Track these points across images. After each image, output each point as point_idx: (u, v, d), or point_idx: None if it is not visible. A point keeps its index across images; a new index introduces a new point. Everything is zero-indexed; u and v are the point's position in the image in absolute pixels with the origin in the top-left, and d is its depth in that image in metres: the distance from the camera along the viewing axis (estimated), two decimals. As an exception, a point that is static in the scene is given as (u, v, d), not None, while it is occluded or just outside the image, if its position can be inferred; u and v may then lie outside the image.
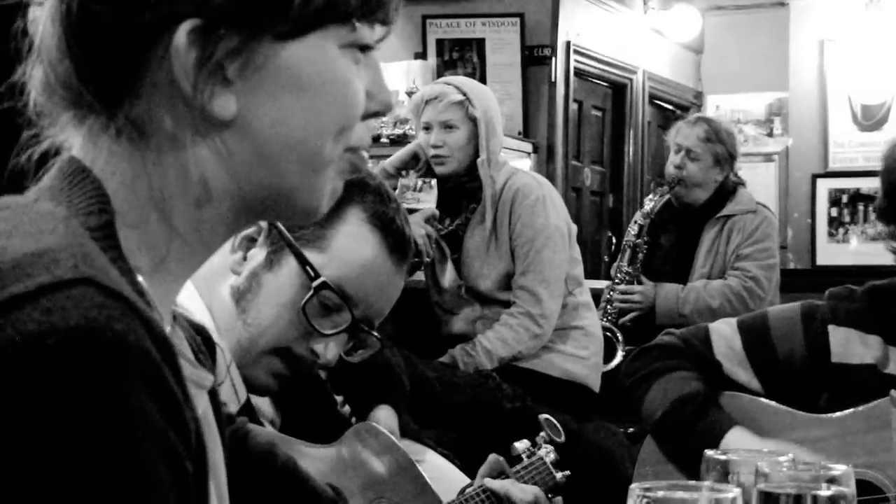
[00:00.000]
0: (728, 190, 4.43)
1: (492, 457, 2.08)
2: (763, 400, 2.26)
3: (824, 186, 7.17)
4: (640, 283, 4.45)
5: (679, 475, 2.25)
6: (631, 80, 7.27)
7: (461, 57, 6.29)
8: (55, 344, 0.73)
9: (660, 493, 0.93)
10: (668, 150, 4.57)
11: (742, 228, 4.36)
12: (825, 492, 1.09)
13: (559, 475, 2.14)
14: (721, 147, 4.39)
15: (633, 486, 0.95)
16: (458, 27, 6.30)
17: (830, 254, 7.11)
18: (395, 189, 3.42)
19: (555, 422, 2.21)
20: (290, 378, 1.74)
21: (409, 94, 5.03)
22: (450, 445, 2.74)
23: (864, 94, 7.06)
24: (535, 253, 3.59)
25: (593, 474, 3.01)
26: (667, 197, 4.54)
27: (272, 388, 1.75)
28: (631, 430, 3.74)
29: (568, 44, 6.43)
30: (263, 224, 1.68)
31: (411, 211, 3.34)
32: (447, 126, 3.61)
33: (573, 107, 6.62)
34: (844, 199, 7.12)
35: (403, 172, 3.68)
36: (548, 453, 2.16)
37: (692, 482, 0.98)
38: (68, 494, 0.72)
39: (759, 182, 7.27)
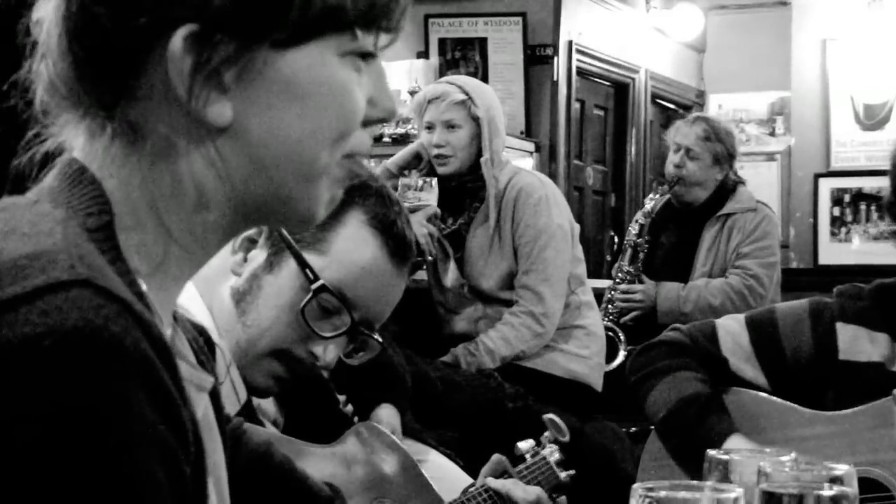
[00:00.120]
0: (728, 188, 4.43)
1: (495, 456, 2.08)
2: (768, 396, 2.26)
3: (826, 186, 7.16)
4: (641, 282, 4.46)
5: (682, 473, 2.25)
6: (633, 79, 7.27)
7: (463, 56, 6.29)
8: (52, 346, 0.73)
9: (662, 493, 0.93)
10: (668, 150, 4.57)
11: (742, 227, 4.36)
12: (827, 492, 1.09)
13: (563, 475, 2.14)
14: (720, 146, 4.39)
15: (635, 485, 0.95)
16: (461, 26, 6.30)
17: (832, 253, 7.10)
18: (395, 188, 3.42)
19: (559, 421, 2.21)
20: (290, 380, 1.74)
21: (412, 93, 5.02)
22: (451, 445, 2.74)
23: (867, 93, 7.05)
24: (537, 252, 3.59)
25: (595, 474, 3.01)
26: (667, 196, 4.54)
27: (271, 390, 1.75)
28: (633, 429, 3.74)
29: (570, 43, 6.43)
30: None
31: (413, 210, 3.34)
32: (450, 125, 3.61)
33: (575, 106, 6.62)
34: (846, 198, 7.12)
35: (406, 172, 3.68)
36: (552, 453, 2.15)
37: (694, 482, 0.98)
38: (65, 496, 0.72)
39: (761, 181, 7.27)
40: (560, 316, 3.64)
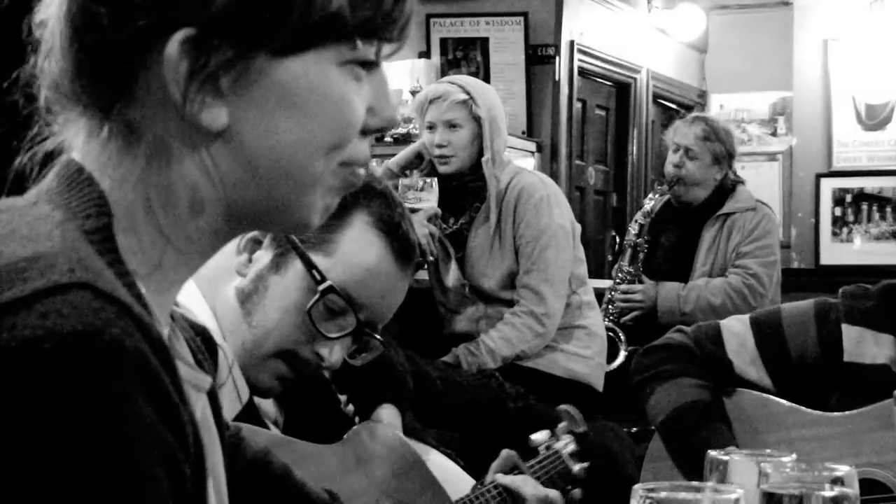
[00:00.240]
0: (727, 188, 4.43)
1: (505, 452, 2.07)
2: (771, 397, 2.26)
3: (828, 186, 7.16)
4: (641, 282, 4.45)
5: (684, 474, 2.25)
6: (635, 79, 7.26)
7: (465, 56, 6.29)
8: (51, 348, 0.73)
9: (663, 494, 0.93)
10: (668, 150, 4.57)
11: (742, 226, 4.36)
12: (828, 492, 1.09)
13: (577, 467, 2.12)
14: (719, 145, 4.39)
15: (636, 486, 0.95)
16: (462, 26, 6.30)
17: (834, 253, 7.10)
18: (396, 188, 3.42)
19: (575, 412, 2.19)
20: (294, 381, 1.74)
21: (413, 93, 5.03)
22: (452, 445, 2.74)
23: (868, 93, 7.05)
24: (539, 252, 3.59)
25: (597, 474, 3.01)
26: (666, 196, 4.54)
27: (275, 390, 1.75)
28: (634, 429, 3.74)
29: (572, 43, 6.42)
30: None
31: (413, 210, 3.34)
32: (451, 125, 3.61)
33: (577, 106, 6.61)
34: (848, 198, 7.11)
35: (407, 172, 3.68)
36: (566, 445, 2.13)
37: (695, 483, 0.98)
38: (66, 497, 0.72)
39: (762, 181, 7.27)
40: (561, 316, 3.64)
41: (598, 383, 3.76)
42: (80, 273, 0.77)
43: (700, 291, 4.30)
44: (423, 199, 3.53)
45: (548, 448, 2.12)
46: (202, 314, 1.65)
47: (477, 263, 3.66)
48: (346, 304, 1.68)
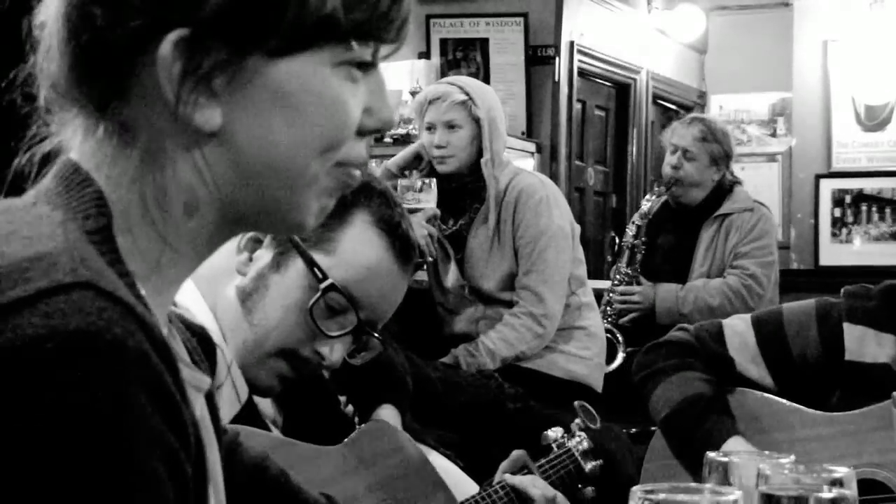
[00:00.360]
0: (725, 189, 4.43)
1: (515, 452, 2.07)
2: (772, 397, 2.26)
3: (827, 187, 7.16)
4: (639, 283, 4.45)
5: (686, 472, 2.26)
6: (634, 79, 7.26)
7: (465, 56, 6.29)
8: (54, 348, 0.73)
9: (661, 496, 0.93)
10: (665, 151, 4.57)
11: (740, 227, 4.36)
12: (827, 494, 1.09)
13: (589, 466, 2.11)
14: (717, 146, 4.39)
15: (634, 488, 0.95)
16: (462, 27, 6.30)
17: (833, 254, 7.10)
18: (395, 189, 3.42)
19: (590, 408, 2.18)
20: (294, 380, 1.74)
21: (413, 93, 5.02)
22: (452, 446, 2.74)
23: (868, 94, 7.05)
24: (538, 253, 3.59)
25: (601, 473, 3.01)
26: (664, 198, 4.54)
27: (276, 390, 1.75)
28: (634, 430, 3.74)
29: (571, 44, 6.42)
30: None
31: (412, 211, 3.34)
32: (450, 126, 3.61)
33: (577, 107, 6.61)
34: (848, 199, 7.11)
35: (406, 172, 3.68)
36: (579, 442, 2.12)
37: (693, 484, 0.98)
38: (69, 496, 0.72)
39: (762, 182, 7.27)
40: (560, 317, 3.64)
41: (598, 384, 3.76)
42: (82, 272, 0.78)
43: (698, 292, 4.30)
44: (422, 199, 3.54)
45: (560, 446, 2.11)
46: (201, 314, 1.66)
47: (476, 264, 3.66)
48: (348, 303, 1.68)
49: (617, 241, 4.62)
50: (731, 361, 2.29)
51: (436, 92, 3.66)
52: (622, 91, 7.26)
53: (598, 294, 4.23)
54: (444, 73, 6.01)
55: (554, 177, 5.91)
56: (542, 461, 2.08)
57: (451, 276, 3.71)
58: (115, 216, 0.87)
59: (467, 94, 3.60)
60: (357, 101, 0.92)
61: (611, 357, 4.14)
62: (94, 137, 0.89)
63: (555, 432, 2.13)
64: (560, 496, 2.00)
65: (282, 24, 0.86)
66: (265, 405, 1.88)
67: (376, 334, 1.74)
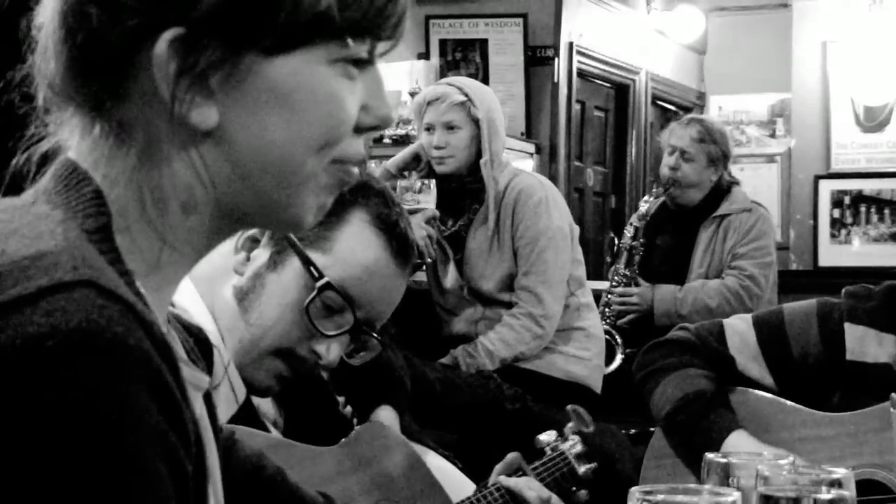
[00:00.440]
0: (723, 189, 4.43)
1: (510, 454, 2.07)
2: (773, 397, 2.26)
3: (827, 188, 7.16)
4: (637, 285, 4.45)
5: (686, 470, 2.26)
6: (634, 80, 7.26)
7: (464, 57, 6.29)
8: (55, 346, 0.73)
9: (660, 497, 0.93)
10: (663, 152, 4.57)
11: (738, 227, 4.36)
12: (825, 495, 1.09)
13: (583, 469, 2.11)
14: (714, 147, 4.39)
15: (632, 489, 0.95)
16: (462, 27, 6.30)
17: (833, 255, 7.10)
18: (394, 190, 3.42)
19: (582, 411, 2.18)
20: (291, 379, 1.74)
21: (412, 94, 5.03)
22: (450, 446, 2.74)
23: (867, 95, 7.05)
24: (537, 254, 3.59)
25: (595, 475, 3.01)
26: (661, 199, 4.54)
27: (273, 389, 1.75)
28: (633, 431, 3.74)
29: (571, 44, 6.42)
30: None
31: (411, 212, 3.34)
32: (449, 127, 3.61)
33: (576, 107, 6.62)
34: (847, 200, 7.11)
35: (405, 173, 3.68)
36: (573, 445, 2.12)
37: (692, 486, 0.98)
38: (69, 494, 0.72)
39: (761, 183, 7.27)
40: (559, 318, 3.64)
41: (597, 385, 3.76)
42: (83, 271, 0.78)
43: (696, 294, 4.29)
44: (421, 200, 3.54)
45: (553, 449, 2.11)
46: (199, 314, 1.65)
47: (475, 265, 3.66)
48: (344, 302, 1.68)
49: (616, 241, 4.61)
50: (732, 361, 2.29)
51: (435, 93, 3.66)
52: (621, 92, 7.26)
53: (597, 295, 4.23)
54: (443, 74, 6.01)
55: (553, 177, 5.91)
56: (537, 464, 2.08)
57: (450, 277, 3.71)
58: (114, 215, 0.87)
59: (466, 94, 3.60)
60: (354, 98, 0.91)
61: (609, 358, 4.13)
62: (90, 137, 0.90)
63: (548, 436, 2.13)
64: (555, 497, 2.00)
65: (276, 22, 0.86)
66: (266, 406, 1.88)
67: (374, 334, 1.74)
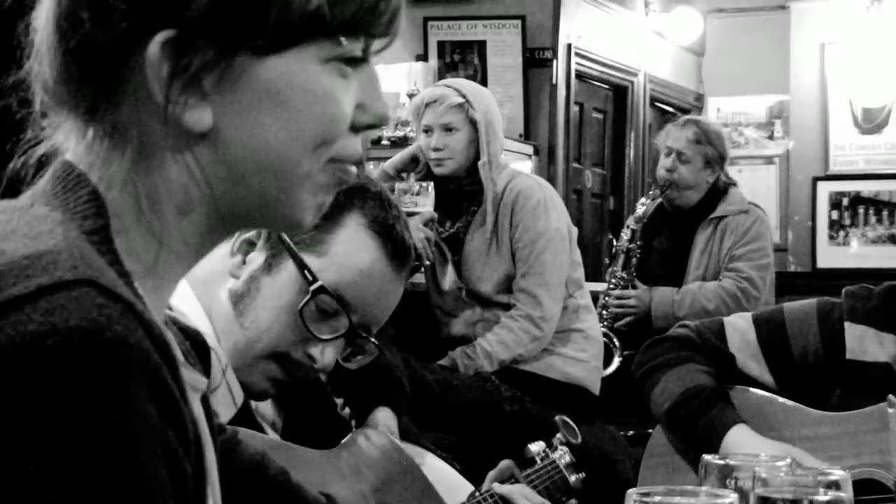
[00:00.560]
0: (720, 191, 4.43)
1: (503, 462, 2.07)
2: (773, 396, 2.27)
3: (825, 189, 7.16)
4: (634, 287, 4.45)
5: (687, 467, 2.26)
6: (632, 82, 7.27)
7: (462, 59, 6.29)
8: (55, 344, 0.73)
9: (657, 499, 0.93)
10: (659, 154, 4.57)
11: (735, 229, 4.36)
12: (822, 496, 1.09)
13: (573, 478, 2.12)
14: (711, 148, 4.39)
15: (629, 490, 0.95)
16: (460, 29, 6.31)
17: (831, 257, 7.10)
18: (392, 191, 3.42)
19: (571, 423, 2.19)
20: (287, 383, 1.74)
21: (411, 96, 5.03)
22: (449, 448, 2.74)
23: (865, 96, 7.06)
24: (535, 256, 3.59)
25: (593, 477, 3.01)
26: (658, 200, 4.54)
27: (269, 393, 1.75)
28: (631, 433, 3.74)
29: (569, 46, 6.43)
30: None
31: (409, 214, 3.34)
32: (447, 129, 3.61)
33: (574, 109, 6.62)
34: (845, 201, 7.12)
35: (403, 175, 3.68)
36: (563, 455, 2.13)
37: (689, 487, 0.98)
38: (69, 493, 0.72)
39: (759, 184, 7.28)
40: (558, 319, 3.64)
41: (595, 387, 3.76)
42: (83, 270, 0.78)
43: (694, 296, 4.29)
44: (419, 202, 3.54)
45: (543, 458, 2.12)
46: (196, 317, 1.65)
47: (473, 267, 3.66)
48: (338, 306, 1.67)
49: (614, 243, 4.61)
50: (732, 359, 2.30)
51: (432, 95, 3.66)
52: (620, 93, 7.26)
53: (596, 296, 4.23)
54: (441, 76, 6.01)
55: (551, 179, 5.92)
56: (529, 471, 2.09)
57: (449, 279, 3.71)
58: (111, 217, 0.87)
59: (464, 96, 3.61)
60: (349, 96, 0.91)
61: (607, 361, 4.13)
62: (86, 140, 0.90)
63: (537, 446, 2.14)
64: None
65: (267, 22, 0.86)
66: (265, 408, 1.88)
67: (370, 338, 1.74)
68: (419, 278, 3.79)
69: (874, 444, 2.12)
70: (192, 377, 0.93)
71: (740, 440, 2.14)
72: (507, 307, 3.62)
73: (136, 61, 0.86)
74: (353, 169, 0.94)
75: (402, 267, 1.74)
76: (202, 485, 0.87)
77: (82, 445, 0.72)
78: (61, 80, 0.89)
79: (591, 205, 7.09)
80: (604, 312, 4.40)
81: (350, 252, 1.70)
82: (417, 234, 3.43)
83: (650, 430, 2.42)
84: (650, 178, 7.22)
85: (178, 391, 0.79)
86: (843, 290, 2.31)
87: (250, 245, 1.71)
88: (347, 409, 2.40)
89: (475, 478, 2.13)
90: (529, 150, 6.16)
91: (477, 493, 2.02)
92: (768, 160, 7.59)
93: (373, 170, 3.88)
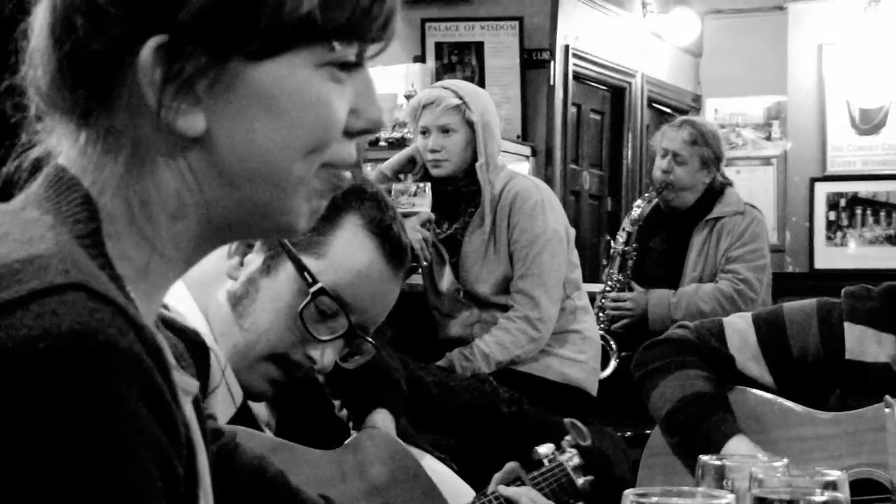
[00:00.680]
0: (716, 191, 4.42)
1: (509, 464, 2.07)
2: (772, 396, 2.27)
3: (822, 190, 7.17)
4: (630, 290, 4.45)
5: (684, 469, 2.26)
6: (630, 83, 7.27)
7: (460, 60, 6.29)
8: (47, 348, 0.73)
9: (653, 499, 0.93)
10: (655, 155, 4.57)
11: (731, 230, 4.35)
12: (819, 497, 1.09)
13: (581, 481, 2.12)
14: (707, 149, 4.38)
15: (626, 491, 0.95)
16: (457, 30, 6.31)
17: (828, 257, 7.11)
18: (389, 192, 3.42)
19: (581, 425, 2.19)
20: (286, 384, 1.74)
21: (408, 97, 5.03)
22: (446, 450, 2.74)
23: (863, 97, 7.06)
24: (533, 257, 3.59)
25: (592, 488, 3.01)
26: (654, 202, 4.53)
27: (268, 394, 1.75)
28: (629, 433, 3.74)
29: (567, 47, 6.43)
30: None
31: (406, 215, 3.34)
32: (445, 130, 3.61)
33: (572, 110, 6.62)
34: (842, 202, 7.12)
35: (401, 176, 3.68)
36: (571, 458, 2.13)
37: (685, 488, 0.98)
38: (62, 496, 0.72)
39: (757, 185, 7.28)
40: (555, 321, 3.64)
41: (593, 388, 3.76)
42: (74, 274, 0.78)
43: (690, 298, 4.29)
44: (416, 203, 3.54)
45: (552, 460, 2.12)
46: (194, 318, 1.66)
47: (471, 268, 3.66)
48: (338, 307, 1.68)
49: (612, 244, 4.61)
50: (732, 359, 2.30)
51: (430, 96, 3.66)
52: (617, 94, 7.27)
53: (593, 297, 4.23)
54: (439, 77, 6.02)
55: (549, 180, 5.92)
56: (535, 474, 2.09)
57: (446, 280, 3.71)
58: (103, 221, 0.87)
59: (461, 98, 3.60)
60: (343, 101, 0.91)
61: (603, 363, 4.13)
62: (78, 144, 0.90)
63: (546, 448, 2.13)
64: None
65: (258, 27, 0.86)
66: (258, 407, 1.88)
67: (368, 338, 1.74)
68: (416, 279, 3.79)
69: (872, 444, 2.12)
70: (183, 380, 0.93)
71: (739, 451, 2.14)
72: (504, 308, 3.62)
73: (129, 66, 0.86)
74: (347, 174, 0.94)
75: (400, 267, 1.75)
76: (194, 488, 0.87)
77: (75, 448, 0.72)
78: (55, 85, 0.89)
79: (589, 206, 7.09)
80: (600, 315, 4.40)
81: (348, 253, 1.70)
82: (414, 235, 3.43)
83: (648, 431, 2.42)
84: (648, 179, 7.22)
85: (169, 394, 0.79)
86: (843, 291, 2.31)
87: (248, 246, 1.71)
88: (345, 411, 2.40)
89: (473, 479, 2.13)
90: (527, 151, 6.16)
91: (482, 496, 2.02)
92: (766, 161, 7.59)
93: (370, 171, 3.88)
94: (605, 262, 4.84)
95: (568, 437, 2.16)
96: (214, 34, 0.86)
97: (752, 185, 7.12)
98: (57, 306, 0.75)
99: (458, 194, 3.67)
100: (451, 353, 3.60)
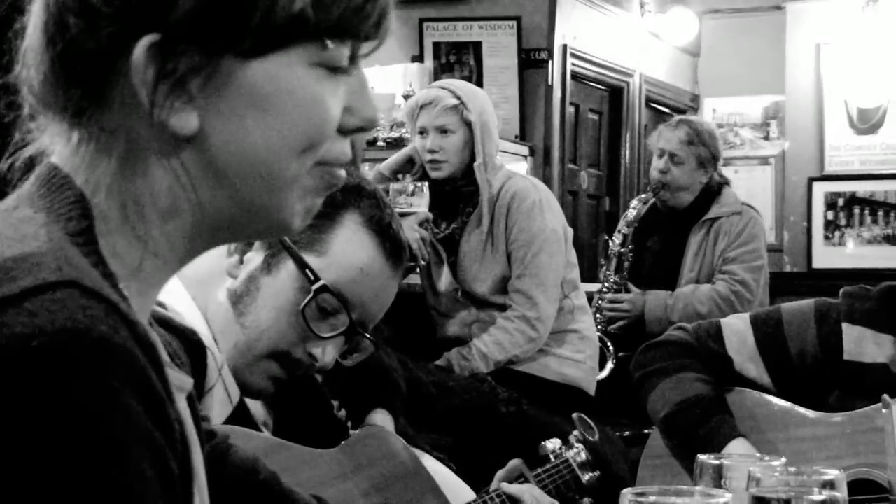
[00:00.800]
0: (713, 191, 4.41)
1: (512, 461, 2.07)
2: (771, 397, 2.27)
3: (820, 190, 7.17)
4: (627, 291, 4.44)
5: (683, 471, 2.26)
6: (628, 83, 7.27)
7: (458, 60, 6.29)
8: (40, 346, 0.73)
9: (651, 499, 0.93)
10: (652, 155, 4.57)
11: (728, 231, 4.35)
12: (817, 496, 1.09)
13: (586, 477, 2.11)
14: (704, 149, 4.38)
15: (624, 490, 0.95)
16: (455, 30, 6.31)
17: (826, 257, 7.11)
18: (387, 192, 3.42)
19: (588, 420, 2.18)
20: (286, 382, 1.74)
21: (406, 97, 5.03)
22: (445, 449, 2.74)
23: (861, 97, 7.06)
24: (531, 257, 3.59)
25: (599, 484, 3.01)
26: (651, 202, 4.53)
27: (268, 391, 1.75)
28: (627, 433, 3.74)
29: (565, 47, 6.43)
30: None
31: (404, 215, 3.34)
32: (443, 130, 3.61)
33: (570, 110, 6.62)
34: (840, 202, 7.13)
35: (399, 176, 3.68)
36: (577, 454, 2.12)
37: (683, 487, 0.98)
38: (56, 495, 0.72)
39: (755, 185, 7.28)
40: (553, 320, 3.64)
41: (591, 387, 3.76)
42: (67, 271, 0.78)
43: (687, 300, 4.28)
44: (414, 203, 3.54)
45: (557, 456, 2.11)
46: (192, 317, 1.65)
47: (469, 268, 3.66)
48: (339, 304, 1.68)
49: (610, 244, 4.60)
50: (730, 361, 2.30)
51: (427, 96, 3.66)
52: (615, 94, 7.27)
53: (591, 297, 4.23)
54: (437, 77, 6.02)
55: (547, 180, 5.92)
56: (539, 470, 2.08)
57: (444, 280, 3.71)
58: (96, 220, 0.87)
59: (459, 98, 3.60)
60: (336, 99, 0.91)
61: (601, 365, 4.13)
62: (71, 143, 0.90)
63: (553, 443, 2.13)
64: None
65: (251, 26, 0.86)
66: (255, 407, 1.88)
67: (368, 335, 1.74)
68: (414, 279, 3.79)
69: (870, 445, 2.12)
70: (177, 377, 0.93)
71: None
72: (502, 308, 3.62)
73: (122, 65, 0.86)
74: (342, 172, 0.94)
75: (399, 264, 1.75)
76: (189, 484, 0.87)
77: (69, 446, 0.72)
78: (48, 83, 0.89)
79: (587, 205, 7.10)
80: (597, 316, 4.40)
81: (349, 251, 1.70)
82: (412, 234, 3.43)
83: (646, 431, 2.42)
84: (646, 178, 7.22)
85: (163, 391, 0.79)
86: (841, 291, 2.31)
87: (248, 245, 1.71)
88: (343, 411, 2.40)
89: (472, 479, 2.13)
90: (525, 151, 6.16)
91: (484, 493, 2.02)
92: (764, 161, 7.59)
93: (368, 171, 3.87)
94: (602, 261, 4.85)
95: (575, 433, 2.15)
96: (207, 32, 0.86)
97: (750, 185, 7.12)
98: (50, 304, 0.75)
99: (457, 194, 3.67)
100: (449, 352, 3.60)
